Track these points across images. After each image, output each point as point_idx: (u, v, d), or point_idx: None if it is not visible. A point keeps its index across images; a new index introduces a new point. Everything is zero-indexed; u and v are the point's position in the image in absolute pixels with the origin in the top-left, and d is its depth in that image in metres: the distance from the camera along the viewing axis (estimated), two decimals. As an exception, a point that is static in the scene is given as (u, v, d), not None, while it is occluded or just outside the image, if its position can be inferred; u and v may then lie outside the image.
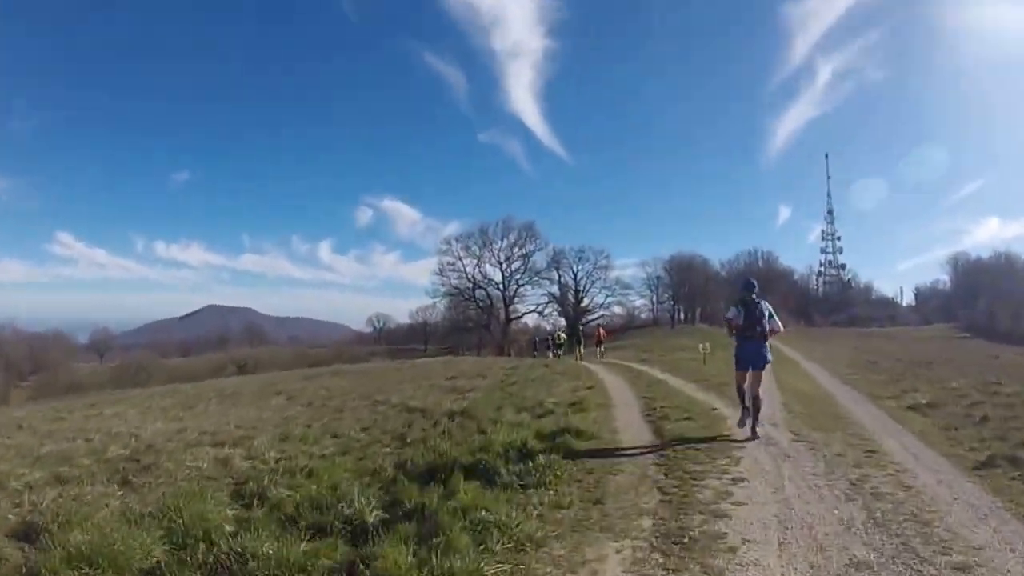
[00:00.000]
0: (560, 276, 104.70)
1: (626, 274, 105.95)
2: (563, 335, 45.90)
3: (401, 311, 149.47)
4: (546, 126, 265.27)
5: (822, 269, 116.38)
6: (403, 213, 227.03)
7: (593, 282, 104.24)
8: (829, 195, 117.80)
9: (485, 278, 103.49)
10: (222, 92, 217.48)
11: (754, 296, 10.76)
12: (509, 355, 52.58)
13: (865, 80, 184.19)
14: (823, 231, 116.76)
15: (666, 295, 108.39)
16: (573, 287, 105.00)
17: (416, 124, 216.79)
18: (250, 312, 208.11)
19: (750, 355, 10.71)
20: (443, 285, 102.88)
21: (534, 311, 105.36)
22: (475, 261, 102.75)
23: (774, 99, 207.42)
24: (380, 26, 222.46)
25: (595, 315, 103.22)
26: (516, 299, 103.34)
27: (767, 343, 10.77)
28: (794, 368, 25.68)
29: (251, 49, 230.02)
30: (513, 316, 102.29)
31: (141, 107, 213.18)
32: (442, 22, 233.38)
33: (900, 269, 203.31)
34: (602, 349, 44.31)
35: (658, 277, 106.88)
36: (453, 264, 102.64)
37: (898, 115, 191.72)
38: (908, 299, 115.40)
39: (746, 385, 10.79)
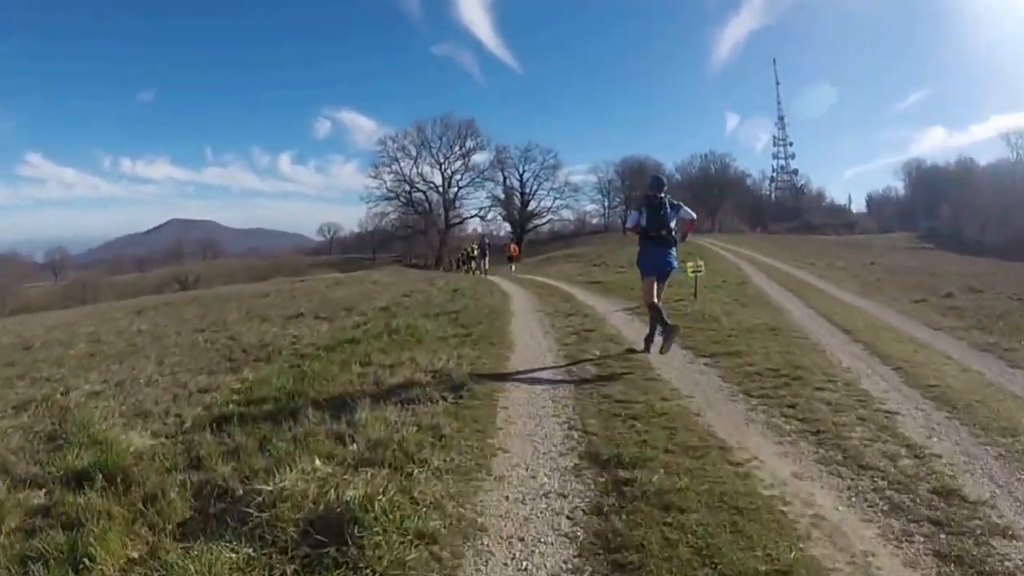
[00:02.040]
0: (505, 177, 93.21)
1: (576, 179, 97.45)
2: (475, 248, 40.96)
3: (356, 220, 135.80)
4: (497, 38, 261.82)
5: (774, 175, 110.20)
6: (361, 124, 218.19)
7: (540, 184, 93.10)
8: (779, 101, 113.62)
9: (424, 180, 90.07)
10: (184, 11, 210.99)
11: (660, 195, 8.96)
12: (453, 265, 45.98)
13: None
14: (774, 136, 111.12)
15: (618, 199, 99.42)
16: (519, 189, 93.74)
17: (372, 38, 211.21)
18: (213, 225, 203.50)
19: (655, 260, 8.95)
20: (378, 188, 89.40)
21: (476, 215, 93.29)
22: (412, 162, 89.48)
23: (718, 9, 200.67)
24: None
25: (543, 219, 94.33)
26: (457, 203, 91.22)
27: (674, 248, 9.00)
28: (842, 308, 15.07)
29: None
30: (454, 221, 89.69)
31: (107, 29, 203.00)
32: None
33: (847, 176, 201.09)
34: (514, 266, 40.53)
35: (609, 181, 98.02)
36: (389, 165, 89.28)
37: (841, 25, 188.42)
38: (858, 206, 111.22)
39: (655, 299, 8.95)
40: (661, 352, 8.56)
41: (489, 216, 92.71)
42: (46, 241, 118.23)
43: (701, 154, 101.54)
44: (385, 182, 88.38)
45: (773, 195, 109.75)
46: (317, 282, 32.36)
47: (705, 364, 8.54)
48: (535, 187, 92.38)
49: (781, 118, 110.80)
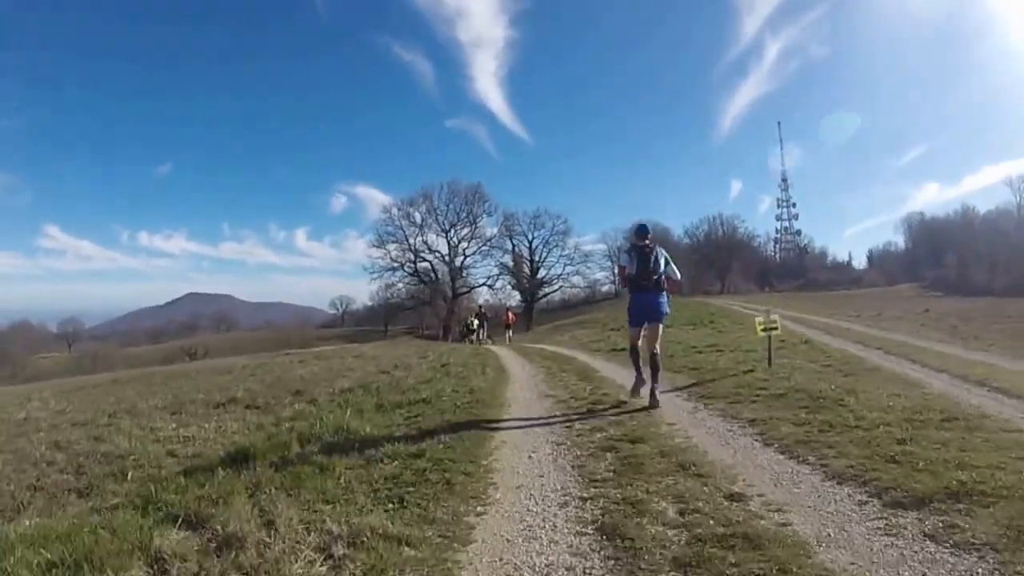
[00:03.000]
0: (514, 245, 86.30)
1: (587, 248, 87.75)
2: (475, 321, 38.53)
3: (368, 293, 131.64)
4: (510, 111, 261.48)
5: (778, 236, 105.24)
6: (376, 199, 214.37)
7: (550, 250, 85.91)
8: (783, 163, 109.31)
9: (429, 249, 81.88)
10: (202, 88, 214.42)
11: (647, 242, 8.54)
12: (460, 336, 41.41)
13: (809, 56, 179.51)
14: (778, 199, 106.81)
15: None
16: (528, 257, 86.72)
17: (387, 113, 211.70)
18: (229, 299, 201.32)
19: (645, 307, 8.50)
20: (382, 259, 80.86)
21: (485, 284, 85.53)
22: (417, 230, 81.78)
23: (725, 78, 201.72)
24: (350, 22, 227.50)
25: (554, 287, 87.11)
26: (465, 272, 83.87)
27: (664, 294, 8.50)
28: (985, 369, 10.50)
29: (228, 48, 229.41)
30: (461, 291, 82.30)
31: (125, 104, 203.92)
32: (408, 16, 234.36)
33: (846, 235, 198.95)
34: (510, 334, 38.09)
35: (618, 247, 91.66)
36: (393, 234, 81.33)
37: (840, 88, 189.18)
38: (859, 262, 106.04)
39: (640, 344, 8.80)
40: (632, 395, 8.66)
41: (498, 285, 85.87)
42: (64, 312, 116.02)
43: (709, 217, 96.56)
44: (389, 252, 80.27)
45: (778, 255, 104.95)
46: (295, 356, 27.78)
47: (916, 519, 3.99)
48: (545, 254, 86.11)
49: (784, 179, 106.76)
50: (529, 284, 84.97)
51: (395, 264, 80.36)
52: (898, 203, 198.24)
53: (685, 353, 14.78)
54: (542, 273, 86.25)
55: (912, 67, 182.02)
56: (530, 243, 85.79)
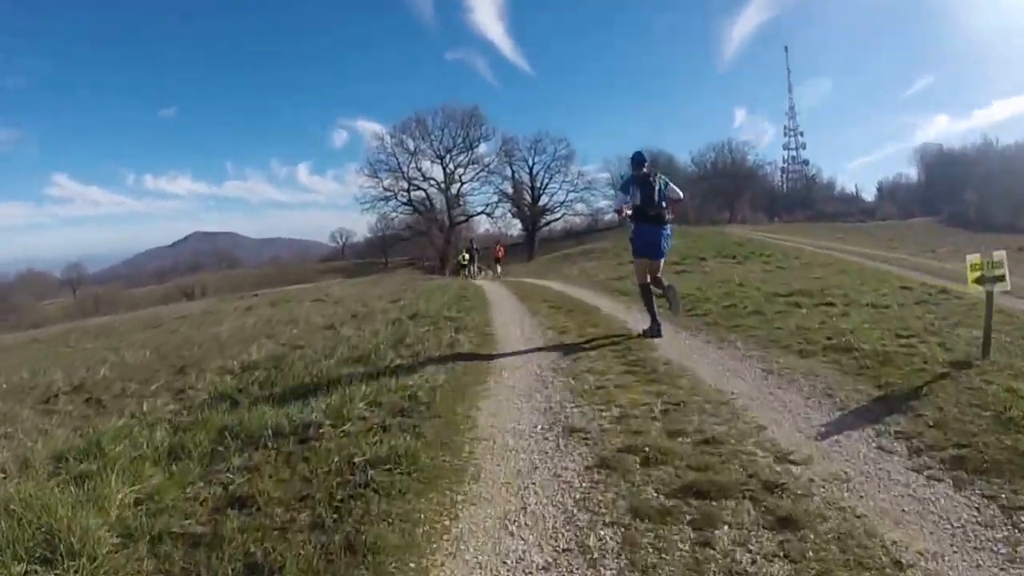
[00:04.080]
0: (513, 171, 78.21)
1: (589, 175, 79.81)
2: (466, 255, 36.94)
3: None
4: (510, 41, 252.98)
5: (785, 165, 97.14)
6: (376, 132, 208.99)
7: (552, 176, 77.81)
8: (789, 89, 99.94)
9: (424, 177, 74.00)
10: (200, 30, 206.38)
11: (645, 171, 7.73)
12: (463, 270, 37.19)
13: None
14: (785, 126, 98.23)
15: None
16: (529, 183, 78.65)
17: (386, 47, 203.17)
18: (233, 236, 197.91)
19: (650, 241, 7.77)
20: (374, 188, 73.08)
21: (483, 212, 78.10)
22: (410, 157, 73.02)
23: (727, 3, 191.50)
24: None
25: (556, 215, 79.47)
26: (462, 200, 76.76)
27: (669, 227, 7.78)
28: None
29: None
30: (459, 220, 74.91)
31: (126, 51, 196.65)
32: None
33: (851, 167, 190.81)
34: (499, 268, 34.96)
35: (621, 176, 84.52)
36: (386, 162, 72.64)
37: (845, 15, 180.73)
38: (868, 195, 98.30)
39: (647, 280, 7.97)
40: (674, 314, 8.05)
41: (497, 213, 78.45)
42: (76, 257, 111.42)
43: (717, 144, 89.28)
44: (382, 182, 72.85)
45: (785, 186, 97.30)
46: (249, 302, 23.43)
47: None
48: (546, 180, 78.16)
49: (791, 107, 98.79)
50: (530, 212, 77.39)
51: (388, 194, 73.02)
52: (906, 134, 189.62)
53: (771, 304, 9.44)
54: (544, 200, 78.57)
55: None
56: (531, 169, 77.95)
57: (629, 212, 7.66)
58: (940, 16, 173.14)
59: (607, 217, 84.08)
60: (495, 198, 77.43)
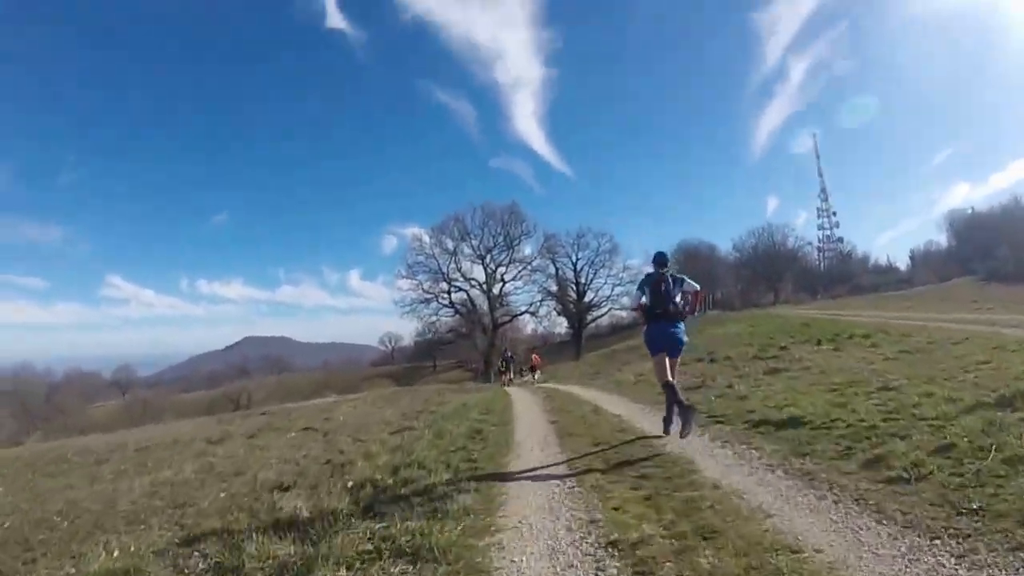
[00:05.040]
0: (557, 268, 74.39)
1: (635, 268, 73.61)
2: (503, 363, 36.40)
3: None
4: (549, 146, 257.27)
5: (821, 244, 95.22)
6: (416, 235, 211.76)
7: (596, 271, 73.99)
8: (820, 173, 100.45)
9: (464, 277, 69.94)
10: (253, 139, 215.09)
11: (663, 271, 7.79)
12: (508, 367, 35.30)
13: (834, 72, 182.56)
14: (818, 208, 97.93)
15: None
16: (573, 280, 74.99)
17: (431, 155, 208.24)
18: (286, 341, 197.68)
19: (662, 336, 7.66)
20: (413, 291, 68.66)
21: (527, 312, 73.97)
22: (450, 257, 69.49)
23: (753, 100, 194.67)
24: (390, 68, 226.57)
25: (602, 310, 75.32)
26: (504, 300, 72.23)
27: (681, 324, 7.70)
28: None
29: (275, 100, 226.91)
30: (502, 320, 70.32)
31: (182, 156, 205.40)
32: (446, 59, 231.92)
33: (880, 242, 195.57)
34: (535, 375, 34.43)
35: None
36: (424, 264, 68.68)
37: (867, 103, 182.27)
38: (901, 264, 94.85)
39: (670, 377, 7.54)
40: (681, 436, 7.07)
41: (542, 311, 74.35)
42: (130, 359, 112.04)
43: (757, 229, 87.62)
44: (421, 284, 68.36)
45: (822, 264, 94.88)
46: (226, 425, 20.27)
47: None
48: (591, 276, 74.59)
49: (823, 189, 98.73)
50: (576, 308, 73.74)
51: (428, 296, 68.80)
52: (930, 206, 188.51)
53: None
54: (589, 296, 74.84)
55: (934, 70, 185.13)
56: (575, 265, 74.66)
57: (641, 311, 7.80)
58: (956, 91, 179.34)
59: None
60: (539, 296, 73.63)
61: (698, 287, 7.97)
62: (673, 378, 7.61)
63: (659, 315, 7.65)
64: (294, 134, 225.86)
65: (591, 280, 74.39)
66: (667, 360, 7.62)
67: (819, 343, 16.24)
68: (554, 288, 74.25)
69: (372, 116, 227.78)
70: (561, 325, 77.36)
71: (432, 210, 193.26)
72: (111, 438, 22.99)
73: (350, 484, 7.04)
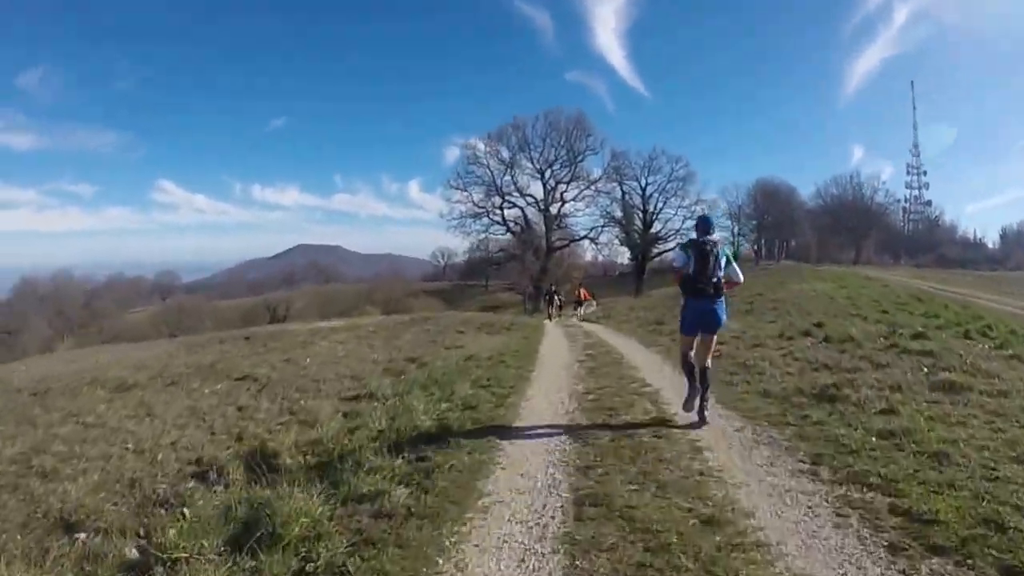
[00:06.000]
0: (624, 191, 66.78)
1: (708, 201, 67.52)
2: (549, 296, 32.70)
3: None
4: (629, 66, 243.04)
5: (907, 205, 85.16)
6: (501, 158, 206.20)
7: (667, 200, 66.13)
8: (915, 126, 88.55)
9: (520, 192, 64.21)
10: (316, 42, 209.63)
11: (708, 238, 6.72)
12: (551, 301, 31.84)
13: (940, 23, 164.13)
14: (908, 165, 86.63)
15: (748, 227, 77.57)
16: (640, 206, 66.92)
17: (505, 66, 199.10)
18: (339, 250, 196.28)
19: (700, 315, 6.70)
20: (463, 203, 63.53)
21: (586, 237, 66.81)
22: (505, 169, 63.22)
23: (851, 39, 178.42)
24: None
25: (669, 244, 65.51)
26: (562, 221, 65.83)
27: (722, 299, 6.70)
28: None
29: (344, 3, 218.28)
30: (558, 244, 63.89)
31: (239, 59, 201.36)
32: None
33: (968, 211, 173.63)
34: (581, 311, 32.79)
35: (739, 206, 75.38)
36: (477, 175, 63.38)
37: (972, 57, 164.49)
38: (991, 241, 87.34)
39: (693, 354, 6.79)
40: (684, 409, 6.66)
41: (603, 239, 67.56)
42: (176, 264, 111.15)
43: (841, 178, 79.90)
44: (471, 196, 63.29)
45: (907, 226, 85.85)
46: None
47: None
48: (660, 204, 66.86)
49: (916, 145, 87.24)
50: (641, 239, 66.19)
51: (479, 210, 63.40)
52: None
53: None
54: (656, 227, 67.46)
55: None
56: (643, 190, 66.77)
57: (682, 277, 6.75)
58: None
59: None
60: (601, 221, 67.07)
61: (742, 279, 6.97)
62: (707, 358, 6.76)
63: (700, 290, 6.62)
64: (360, 42, 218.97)
65: (660, 209, 67.42)
66: (698, 339, 6.79)
67: (967, 335, 10.87)
68: (619, 214, 67.50)
69: (442, 21, 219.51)
70: (623, 255, 71.50)
71: (499, 122, 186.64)
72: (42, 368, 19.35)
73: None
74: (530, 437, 5.97)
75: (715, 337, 6.98)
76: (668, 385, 8.06)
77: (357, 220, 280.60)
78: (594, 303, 46.41)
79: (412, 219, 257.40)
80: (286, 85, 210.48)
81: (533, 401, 7.57)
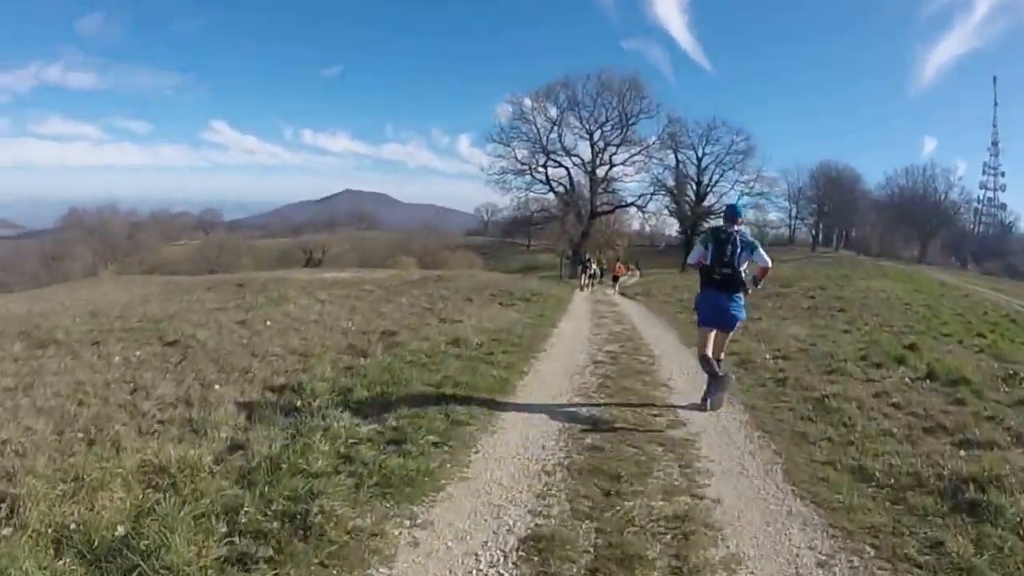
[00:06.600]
0: (678, 160, 62.83)
1: (768, 179, 63.23)
2: (583, 265, 31.54)
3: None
4: (690, 36, 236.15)
5: (980, 206, 79.20)
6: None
7: (723, 172, 62.07)
8: (995, 123, 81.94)
9: (566, 152, 59.69)
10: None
11: (734, 227, 6.14)
12: (585, 270, 30.59)
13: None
14: (984, 163, 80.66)
15: (807, 211, 74.01)
16: (695, 177, 62.94)
17: (563, 28, 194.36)
18: (384, 198, 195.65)
19: (715, 309, 6.23)
20: (504, 158, 59.11)
21: (634, 204, 62.15)
22: (552, 126, 58.93)
23: (927, 27, 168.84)
24: None
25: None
26: (609, 185, 61.03)
27: (740, 295, 6.16)
28: None
29: None
30: (602, 209, 59.66)
31: (297, 7, 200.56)
32: None
33: None
34: (618, 287, 30.25)
35: (799, 188, 71.57)
36: (523, 131, 59.01)
37: None
38: None
39: (709, 351, 6.29)
40: (704, 403, 6.20)
41: (651, 207, 62.85)
42: (223, 203, 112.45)
43: (911, 169, 74.81)
44: (514, 152, 58.81)
45: (977, 228, 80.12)
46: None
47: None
48: (716, 177, 62.54)
49: (995, 143, 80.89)
50: (692, 211, 61.72)
51: (522, 166, 59.35)
52: None
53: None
54: (710, 201, 62.90)
55: None
56: (699, 160, 62.66)
57: (697, 268, 6.33)
58: None
59: (774, 232, 70.38)
60: (651, 189, 62.54)
61: (769, 263, 6.24)
62: (720, 352, 6.40)
63: (717, 280, 6.08)
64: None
65: (716, 182, 63.30)
66: (715, 335, 6.25)
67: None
68: (671, 183, 63.38)
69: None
70: (672, 227, 67.67)
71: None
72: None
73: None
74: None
75: (730, 335, 6.52)
76: (714, 430, 5.45)
77: (405, 170, 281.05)
78: (637, 272, 43.52)
79: (460, 172, 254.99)
80: (343, 36, 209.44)
81: (495, 448, 4.81)
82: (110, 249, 71.09)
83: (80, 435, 5.87)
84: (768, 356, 8.55)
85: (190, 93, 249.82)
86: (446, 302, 14.57)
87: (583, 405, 6.16)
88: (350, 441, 4.69)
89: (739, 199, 59.66)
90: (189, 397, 6.64)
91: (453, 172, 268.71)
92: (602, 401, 6.32)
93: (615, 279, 31.57)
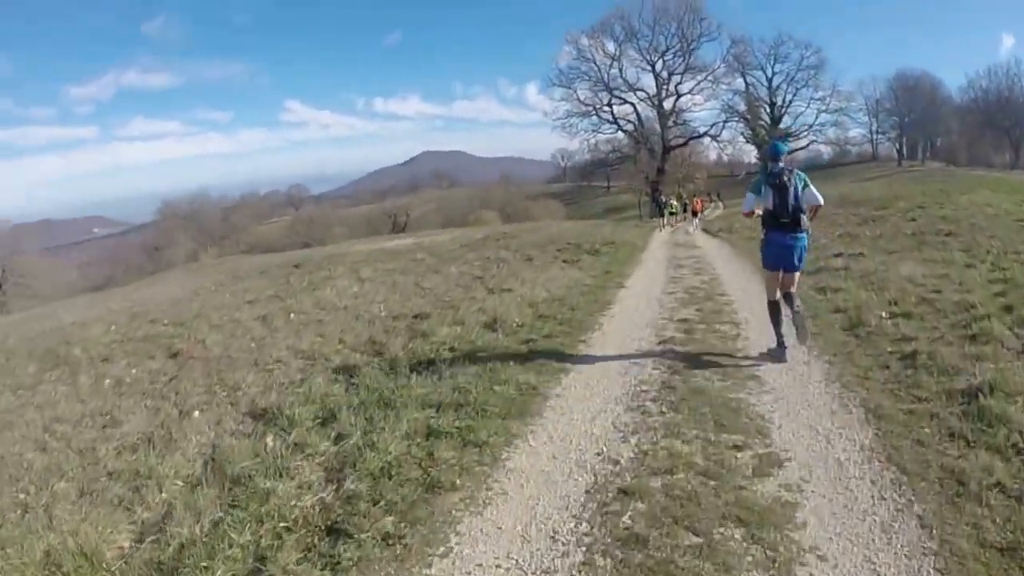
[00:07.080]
0: (747, 82, 59.61)
1: (844, 94, 59.44)
2: (674, 203, 31.07)
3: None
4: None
5: None
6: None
7: (797, 91, 58.36)
8: None
9: (630, 86, 56.88)
10: None
11: (781, 167, 5.84)
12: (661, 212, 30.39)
13: None
14: None
15: (888, 124, 68.42)
16: (767, 99, 59.83)
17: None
18: (461, 155, 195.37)
19: (781, 248, 5.90)
20: (567, 101, 57.05)
21: (706, 134, 58.85)
22: (612, 62, 56.21)
23: None
24: None
25: (802, 142, 59.23)
26: (678, 117, 58.26)
27: (805, 234, 5.86)
28: None
29: None
30: (675, 142, 56.64)
31: None
32: None
33: None
34: (698, 222, 28.63)
35: (877, 100, 66.31)
36: (583, 70, 56.79)
37: None
38: None
39: (778, 295, 6.04)
40: (800, 342, 5.87)
41: (725, 135, 59.32)
42: (306, 178, 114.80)
43: (995, 68, 67.18)
44: (576, 92, 56.89)
45: None
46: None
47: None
48: (790, 96, 59.09)
49: None
50: (769, 136, 56.82)
51: (586, 107, 56.88)
52: None
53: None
54: (786, 122, 59.77)
55: None
56: (769, 81, 59.62)
57: (759, 214, 5.96)
58: None
59: (855, 149, 66.58)
60: (723, 117, 59.40)
61: (821, 201, 5.90)
62: (791, 287, 5.98)
63: (783, 224, 5.77)
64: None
65: (790, 102, 59.76)
66: (782, 277, 5.97)
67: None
68: (742, 107, 60.11)
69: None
70: (749, 154, 63.21)
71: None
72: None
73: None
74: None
75: (797, 275, 6.03)
76: (824, 473, 3.53)
77: (478, 125, 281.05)
78: (720, 204, 41.08)
79: (531, 121, 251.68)
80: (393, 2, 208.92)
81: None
82: (206, 234, 72.75)
83: (22, 496, 4.81)
84: (884, 314, 6.51)
85: (261, 78, 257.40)
86: (502, 266, 13.02)
87: (638, 425, 4.33)
88: (281, 525, 3.30)
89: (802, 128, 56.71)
90: (155, 434, 5.44)
91: (524, 121, 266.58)
92: (659, 442, 4.00)
93: (695, 214, 30.12)
